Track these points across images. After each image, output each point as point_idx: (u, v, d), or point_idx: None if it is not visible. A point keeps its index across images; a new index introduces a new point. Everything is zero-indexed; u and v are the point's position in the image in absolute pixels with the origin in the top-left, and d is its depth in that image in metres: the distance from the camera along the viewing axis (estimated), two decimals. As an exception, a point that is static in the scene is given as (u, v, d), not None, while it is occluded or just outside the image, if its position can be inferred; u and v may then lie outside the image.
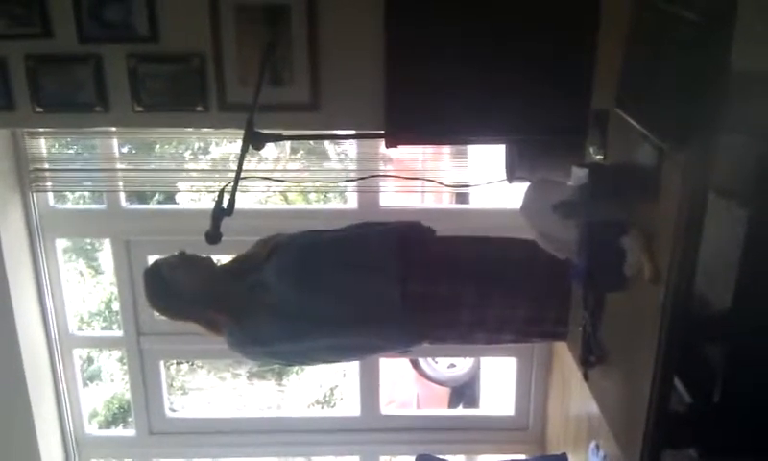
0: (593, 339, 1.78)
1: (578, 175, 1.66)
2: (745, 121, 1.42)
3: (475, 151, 3.55)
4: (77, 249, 6.22)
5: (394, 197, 3.62)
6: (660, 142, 1.35)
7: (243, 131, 2.21)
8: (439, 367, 5.94)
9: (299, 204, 5.13)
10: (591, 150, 1.78)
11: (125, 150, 3.71)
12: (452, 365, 5.98)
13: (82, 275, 6.38)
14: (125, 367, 4.07)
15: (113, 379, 6.42)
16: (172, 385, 6.10)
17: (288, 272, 2.30)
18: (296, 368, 6.70)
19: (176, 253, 2.34)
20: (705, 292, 1.51)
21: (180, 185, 3.83)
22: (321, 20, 2.64)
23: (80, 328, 4.45)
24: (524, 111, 2.37)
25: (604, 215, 1.59)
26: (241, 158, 2.22)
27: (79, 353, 3.87)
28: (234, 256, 2.45)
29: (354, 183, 3.28)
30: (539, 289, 2.30)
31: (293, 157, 3.77)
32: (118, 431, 5.48)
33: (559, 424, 3.58)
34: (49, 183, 3.36)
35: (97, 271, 6.46)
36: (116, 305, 4.09)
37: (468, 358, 5.78)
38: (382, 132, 2.50)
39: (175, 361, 6.01)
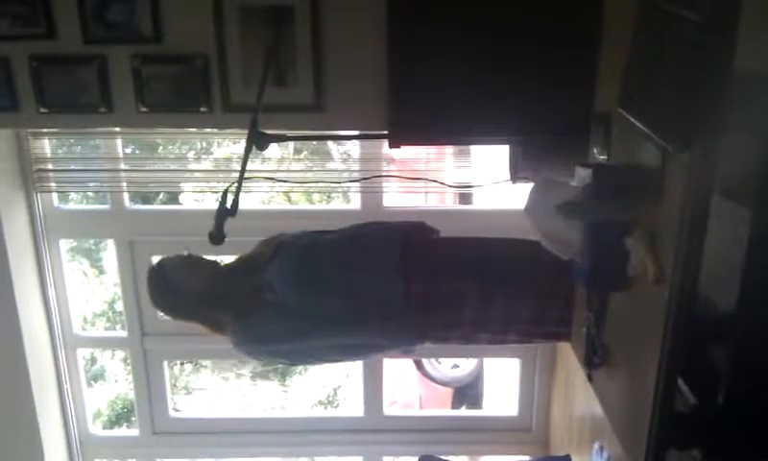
0: (597, 340, 1.78)
1: (581, 175, 1.65)
2: (749, 122, 1.42)
3: (478, 151, 3.54)
4: (81, 249, 6.23)
5: (397, 197, 3.62)
6: (664, 143, 1.35)
7: (246, 131, 2.22)
8: (442, 368, 5.93)
9: (302, 204, 5.13)
10: (595, 150, 1.77)
11: (129, 150, 3.71)
12: (455, 366, 5.97)
13: (85, 275, 6.39)
14: (128, 367, 4.08)
15: (117, 380, 6.43)
16: (175, 385, 6.10)
17: (291, 271, 2.30)
18: (299, 368, 6.71)
19: (184, 253, 2.35)
20: (708, 292, 1.51)
21: (184, 186, 3.84)
22: (324, 21, 2.64)
23: (83, 329, 4.46)
24: (527, 112, 2.37)
25: (607, 215, 1.59)
26: (245, 159, 2.22)
27: (82, 354, 3.88)
28: (238, 256, 2.46)
29: (357, 184, 3.28)
30: (542, 289, 2.30)
31: (296, 157, 3.77)
32: (122, 431, 5.48)
33: (562, 425, 3.58)
34: (53, 184, 3.37)
35: (101, 271, 6.47)
36: (119, 305, 4.10)
37: (471, 359, 5.78)
38: (385, 132, 2.50)
39: (178, 361, 6.01)
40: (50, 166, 3.34)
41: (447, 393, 6.05)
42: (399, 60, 2.40)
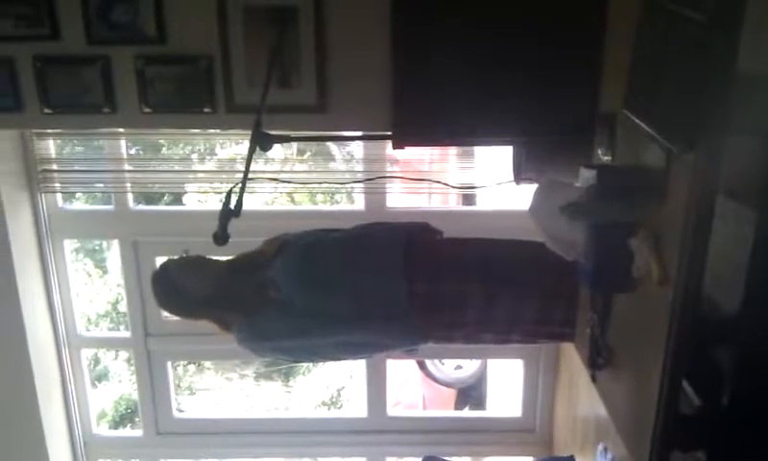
0: (601, 341, 1.78)
1: (586, 176, 1.65)
2: (753, 122, 1.42)
3: (482, 152, 3.54)
4: (85, 249, 6.24)
5: (400, 198, 3.62)
6: (669, 143, 1.35)
7: (250, 132, 2.22)
8: (445, 368, 5.93)
9: (305, 205, 5.13)
10: (599, 151, 1.77)
11: (133, 151, 3.72)
12: (459, 367, 5.96)
13: (89, 275, 6.40)
14: (132, 367, 4.08)
15: (121, 380, 6.44)
16: (179, 386, 6.11)
17: (295, 270, 2.31)
18: (303, 368, 6.73)
19: (185, 253, 2.36)
20: (713, 294, 1.51)
21: (188, 187, 3.84)
22: (328, 22, 2.64)
23: (87, 329, 4.47)
24: (531, 112, 2.37)
25: (612, 217, 1.58)
26: (248, 160, 2.22)
27: (86, 354, 3.88)
28: (242, 253, 2.45)
29: (361, 185, 3.28)
30: (546, 290, 2.30)
31: (300, 158, 3.77)
32: (126, 432, 5.49)
33: (566, 426, 3.57)
34: (57, 184, 3.38)
35: (105, 271, 6.48)
36: (123, 306, 4.10)
37: (474, 360, 5.77)
38: (389, 133, 2.50)
39: (182, 362, 6.02)
40: (54, 167, 3.35)
41: (451, 394, 6.04)
42: (403, 61, 2.40)
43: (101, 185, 3.54)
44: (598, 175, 1.61)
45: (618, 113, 1.62)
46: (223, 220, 2.15)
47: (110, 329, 5.99)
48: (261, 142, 2.24)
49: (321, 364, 5.88)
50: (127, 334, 3.75)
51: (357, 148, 3.50)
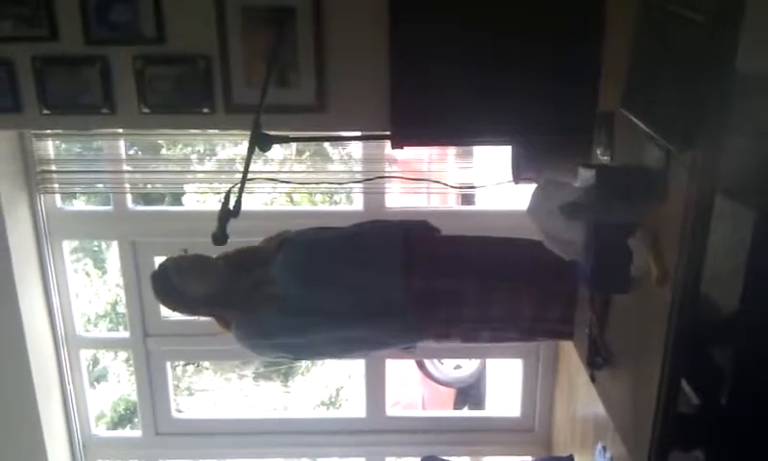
0: (600, 341, 1.78)
1: (584, 176, 1.65)
2: (751, 122, 1.42)
3: (481, 152, 3.54)
4: (84, 249, 6.23)
5: (399, 198, 3.62)
6: (667, 143, 1.35)
7: (249, 132, 2.22)
8: (444, 368, 5.93)
9: (304, 205, 5.13)
10: (598, 151, 1.77)
11: (131, 152, 3.72)
12: (458, 366, 5.96)
13: (88, 275, 6.40)
14: (131, 368, 4.08)
15: (119, 381, 6.43)
16: (178, 386, 6.10)
17: (294, 267, 2.33)
18: (302, 368, 6.72)
19: (183, 252, 2.36)
20: (712, 293, 1.51)
21: (187, 187, 3.84)
22: (326, 22, 2.64)
23: (86, 329, 4.46)
24: (530, 112, 2.38)
25: (610, 216, 1.58)
26: (247, 160, 2.22)
27: (85, 355, 3.88)
28: (240, 249, 2.45)
29: (360, 185, 3.28)
30: (543, 287, 2.31)
31: (299, 158, 3.77)
32: (125, 432, 5.48)
33: (565, 425, 3.58)
34: (56, 185, 3.38)
35: (104, 272, 6.47)
36: (122, 306, 4.10)
37: (473, 360, 5.77)
38: (388, 133, 2.50)
39: (181, 362, 6.01)
40: (53, 167, 3.34)
41: (450, 394, 6.04)
42: (402, 61, 2.41)
43: (100, 186, 3.54)
44: (597, 174, 1.61)
45: (617, 113, 1.62)
46: (222, 220, 2.15)
47: (109, 330, 5.98)
48: (260, 142, 2.24)
49: (319, 362, 5.88)
50: (126, 335, 3.75)
51: (356, 148, 3.49)
